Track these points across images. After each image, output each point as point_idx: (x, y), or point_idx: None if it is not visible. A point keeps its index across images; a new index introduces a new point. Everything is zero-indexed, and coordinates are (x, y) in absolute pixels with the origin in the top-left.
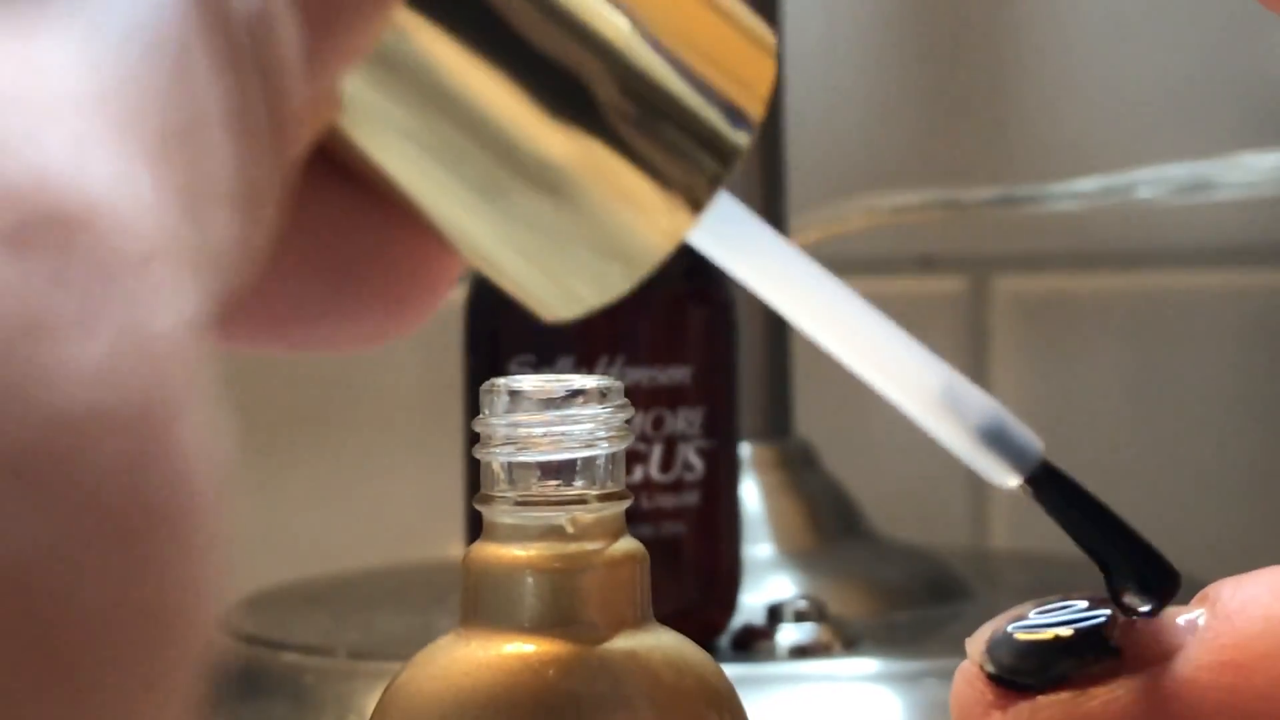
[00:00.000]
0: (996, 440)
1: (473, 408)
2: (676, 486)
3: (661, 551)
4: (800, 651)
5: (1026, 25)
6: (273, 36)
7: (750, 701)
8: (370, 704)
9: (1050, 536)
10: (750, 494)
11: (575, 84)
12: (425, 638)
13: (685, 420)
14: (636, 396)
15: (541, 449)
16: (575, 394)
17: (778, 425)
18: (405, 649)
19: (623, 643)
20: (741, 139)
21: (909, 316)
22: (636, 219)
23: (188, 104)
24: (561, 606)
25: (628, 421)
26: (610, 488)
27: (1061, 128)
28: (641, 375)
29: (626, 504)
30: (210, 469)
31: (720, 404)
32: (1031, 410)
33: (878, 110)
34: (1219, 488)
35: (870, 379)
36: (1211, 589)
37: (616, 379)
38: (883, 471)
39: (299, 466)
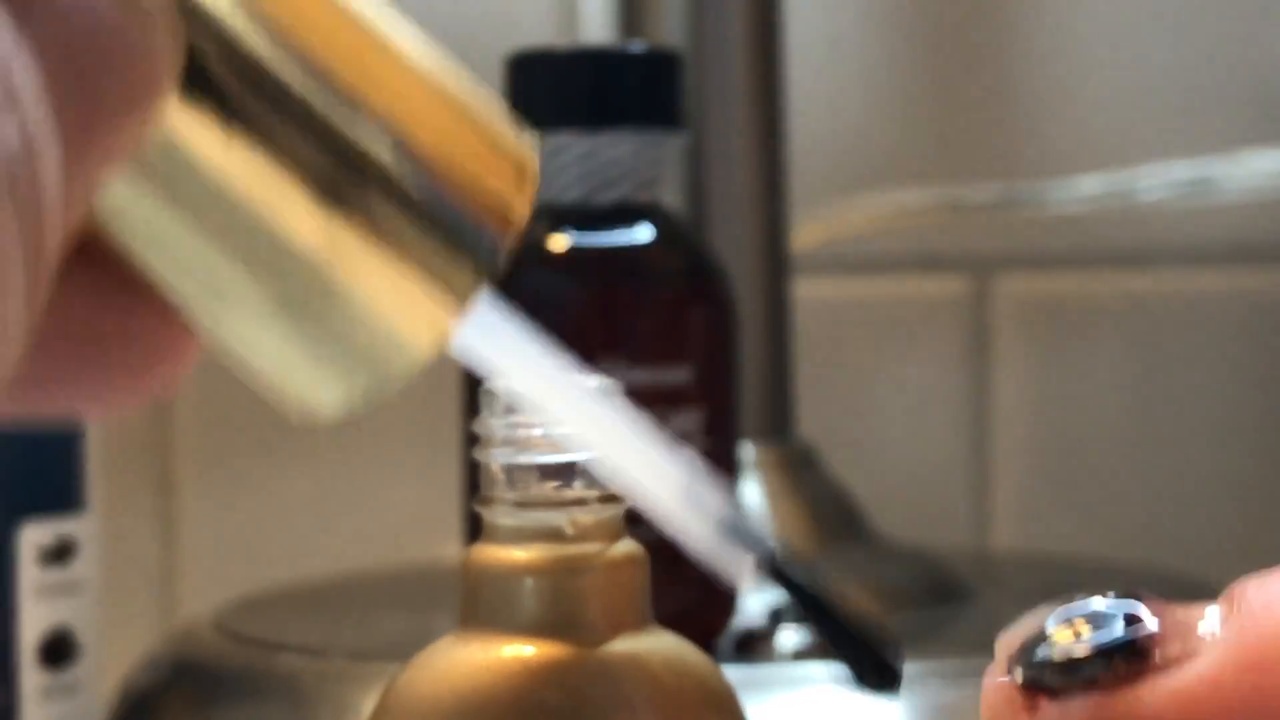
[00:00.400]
0: (734, 534)
1: (472, 409)
2: None
3: (661, 553)
4: (801, 653)
5: (1029, 24)
6: (33, 166)
7: (751, 704)
8: (369, 706)
9: (1052, 538)
10: (751, 495)
11: (331, 191)
12: (424, 640)
13: (686, 421)
14: (637, 397)
15: (541, 450)
16: None
17: (779, 426)
18: (404, 651)
19: (622, 645)
20: (499, 248)
21: (909, 317)
22: (396, 323)
23: None
24: (561, 609)
25: None
26: (610, 489)
27: (1064, 127)
28: (642, 375)
29: (626, 505)
30: None
31: (721, 404)
32: (1033, 411)
33: (879, 110)
34: (1221, 488)
35: (621, 477)
36: (1236, 588)
37: (616, 379)
38: (884, 472)
39: (298, 467)
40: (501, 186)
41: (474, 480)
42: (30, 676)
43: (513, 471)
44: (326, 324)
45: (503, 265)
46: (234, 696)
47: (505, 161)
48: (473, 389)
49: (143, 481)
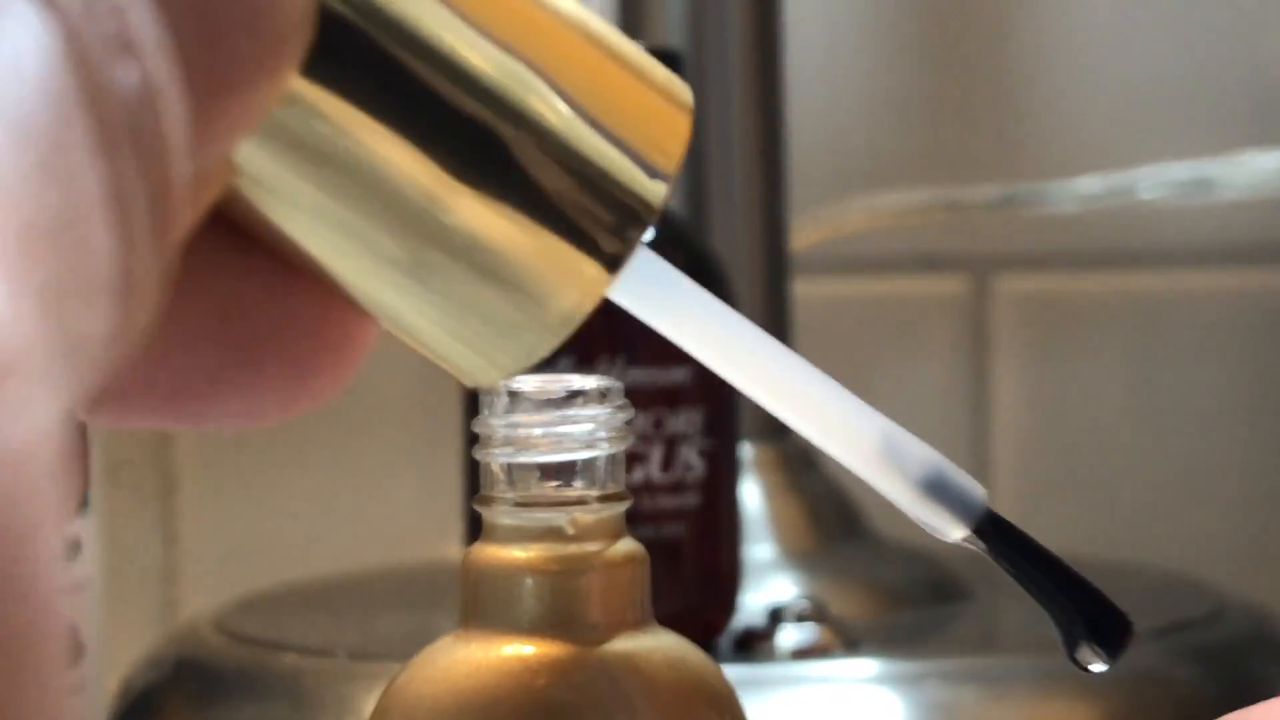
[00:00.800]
0: (939, 491)
1: (472, 408)
2: (677, 487)
3: (662, 553)
4: (801, 653)
5: (1028, 25)
6: (155, 114)
7: (751, 703)
8: (369, 705)
9: (1051, 537)
10: (751, 495)
11: (486, 148)
12: (425, 639)
13: (686, 421)
14: (637, 397)
15: (541, 450)
16: (575, 395)
17: (778, 426)
18: (405, 650)
19: (622, 644)
20: (657, 196)
21: (909, 317)
22: (555, 281)
23: (59, 193)
24: (561, 608)
25: (628, 422)
26: (610, 489)
27: (1063, 127)
28: (642, 375)
29: (626, 505)
30: (64, 586)
31: (721, 404)
32: (1033, 411)
33: (878, 110)
34: (1220, 488)
35: (807, 432)
36: None
37: (617, 379)
38: None
39: (299, 467)
40: (655, 128)
41: (474, 480)
42: None
43: (513, 471)
44: (486, 292)
45: (659, 212)
46: (235, 696)
47: (662, 106)
48: (474, 389)
49: (144, 481)
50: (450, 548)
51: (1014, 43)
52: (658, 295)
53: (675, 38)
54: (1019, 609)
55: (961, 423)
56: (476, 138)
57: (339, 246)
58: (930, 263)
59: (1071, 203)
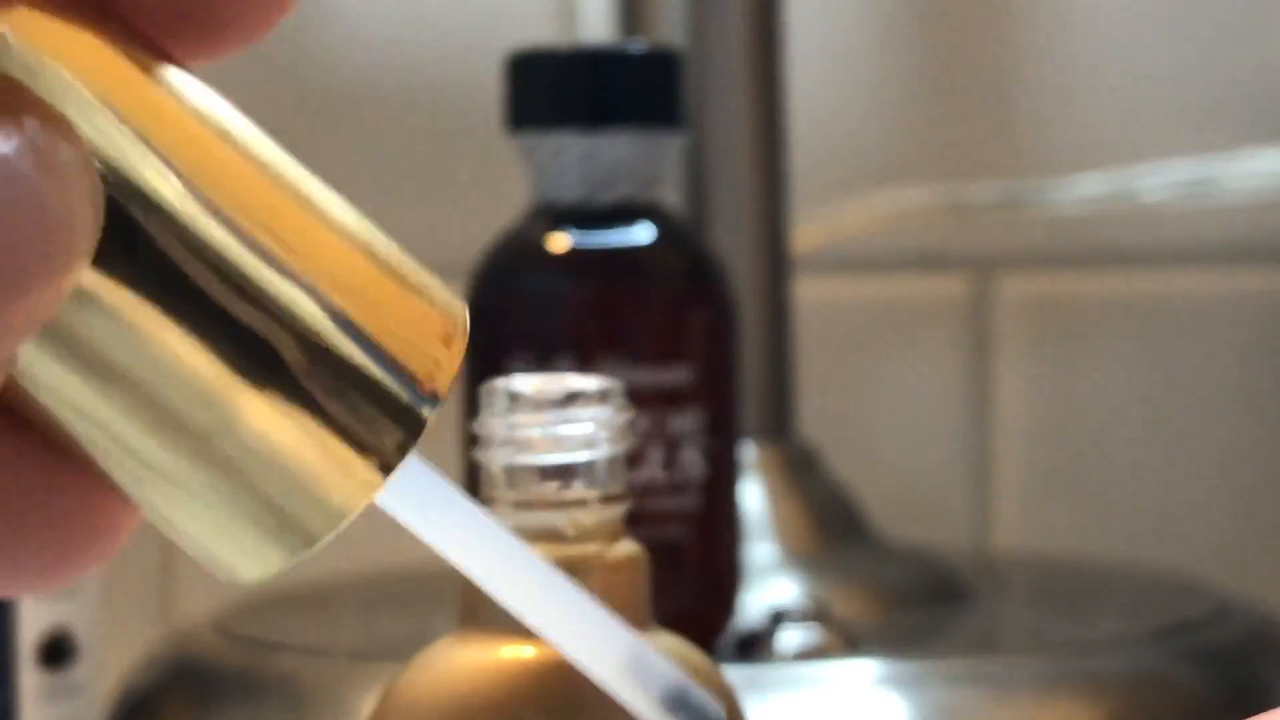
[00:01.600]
0: (680, 708)
1: (471, 409)
2: (677, 488)
3: (661, 554)
4: (802, 654)
5: (1030, 24)
6: None
7: (751, 704)
8: (368, 706)
9: (1053, 538)
10: (752, 495)
11: (259, 354)
12: (424, 640)
13: (686, 421)
14: (637, 397)
15: (541, 451)
16: (575, 396)
17: (779, 426)
18: (404, 651)
19: None
20: (427, 409)
21: (911, 317)
22: (320, 486)
23: None
24: None
25: (628, 423)
26: (610, 490)
27: (1065, 127)
28: (642, 375)
29: (626, 506)
30: None
31: (722, 404)
32: (1034, 411)
33: (880, 109)
34: (1224, 488)
35: (557, 644)
36: None
37: (616, 379)
38: (886, 472)
39: None
40: (430, 346)
41: (474, 481)
42: (29, 677)
43: (513, 472)
44: (248, 491)
45: (428, 424)
46: (233, 697)
47: (434, 321)
48: (473, 389)
49: None
50: None
51: (1016, 42)
52: (424, 504)
53: (675, 37)
54: (1021, 610)
55: (963, 423)
56: (248, 342)
57: (105, 441)
58: (932, 263)
59: (1073, 202)
